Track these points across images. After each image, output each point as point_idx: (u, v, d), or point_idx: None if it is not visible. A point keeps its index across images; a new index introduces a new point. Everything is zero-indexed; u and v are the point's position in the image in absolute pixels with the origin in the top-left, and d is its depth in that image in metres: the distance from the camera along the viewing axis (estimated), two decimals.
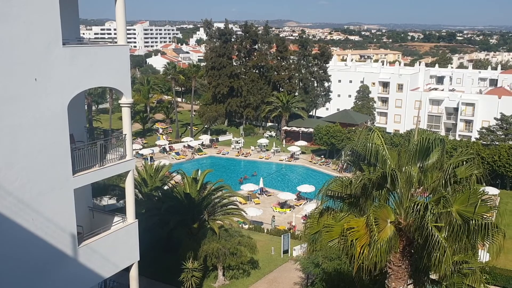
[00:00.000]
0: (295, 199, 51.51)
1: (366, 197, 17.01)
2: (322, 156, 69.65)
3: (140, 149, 68.29)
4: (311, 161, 68.43)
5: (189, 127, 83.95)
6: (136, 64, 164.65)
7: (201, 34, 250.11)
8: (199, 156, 71.02)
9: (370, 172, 18.03)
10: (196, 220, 32.99)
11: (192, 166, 60.82)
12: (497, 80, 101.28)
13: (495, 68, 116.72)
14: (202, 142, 76.11)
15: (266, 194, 54.46)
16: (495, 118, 71.56)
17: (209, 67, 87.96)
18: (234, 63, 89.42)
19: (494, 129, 68.73)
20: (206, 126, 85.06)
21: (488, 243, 15.94)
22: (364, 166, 18.66)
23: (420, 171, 17.53)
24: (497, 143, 63.05)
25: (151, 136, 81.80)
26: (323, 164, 66.60)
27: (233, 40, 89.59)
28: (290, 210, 49.64)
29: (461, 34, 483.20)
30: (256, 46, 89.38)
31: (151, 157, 65.35)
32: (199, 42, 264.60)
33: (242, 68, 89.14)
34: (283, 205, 50.44)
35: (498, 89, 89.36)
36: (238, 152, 72.66)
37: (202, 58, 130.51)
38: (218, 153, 72.71)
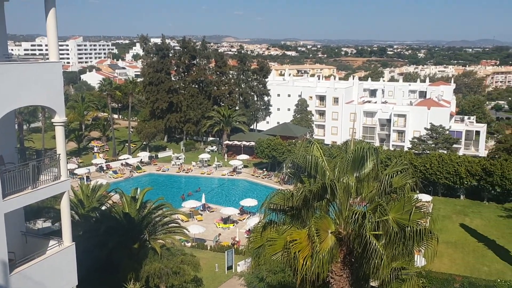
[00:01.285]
0: (238, 213, 51.41)
1: (307, 208, 17.29)
2: (264, 169, 70.23)
3: (76, 168, 65.68)
4: (253, 175, 68.78)
5: (127, 145, 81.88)
6: (69, 81, 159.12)
7: (138, 49, 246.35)
8: (138, 174, 69.33)
9: (310, 183, 18.36)
10: (136, 240, 32.04)
11: (130, 184, 59.22)
12: (426, 92, 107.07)
13: (423, 81, 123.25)
14: (141, 159, 74.41)
15: (208, 210, 53.97)
16: (425, 128, 75.46)
17: (146, 83, 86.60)
18: (173, 78, 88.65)
19: (425, 138, 72.45)
20: (144, 142, 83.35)
21: (423, 248, 16.66)
22: (304, 178, 18.97)
23: (357, 180, 18.07)
24: (428, 152, 66.44)
25: (87, 155, 78.88)
26: (265, 177, 67.15)
27: (171, 55, 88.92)
28: (233, 225, 49.44)
29: (391, 49, 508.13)
30: (195, 61, 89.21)
31: (87, 177, 63.00)
32: (135, 57, 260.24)
33: (181, 83, 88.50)
34: (226, 220, 50.17)
35: (427, 101, 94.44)
36: (179, 168, 71.68)
37: (139, 73, 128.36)
38: (158, 170, 71.32)
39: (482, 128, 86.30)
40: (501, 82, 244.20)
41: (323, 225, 16.29)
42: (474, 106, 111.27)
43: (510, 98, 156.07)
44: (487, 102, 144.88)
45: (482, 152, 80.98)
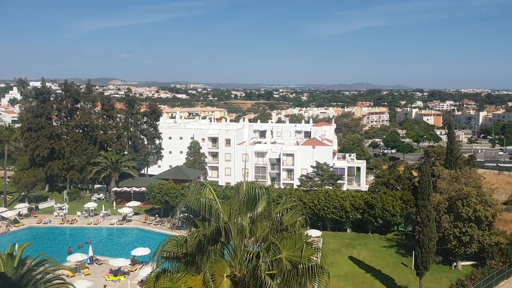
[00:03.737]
0: (130, 264, 48.65)
1: (202, 253, 16.90)
2: (157, 216, 67.92)
3: None
4: (145, 222, 66.08)
5: (2, 196, 74.38)
6: None
7: (15, 93, 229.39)
8: (16, 228, 62.89)
9: (204, 227, 18.06)
10: None
11: (7, 240, 53.46)
12: (310, 132, 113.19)
13: (307, 122, 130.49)
14: (19, 211, 67.81)
15: (96, 263, 50.36)
16: (311, 166, 79.28)
17: (25, 129, 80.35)
18: (54, 123, 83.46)
19: (312, 176, 75.98)
20: (23, 193, 76.36)
21: (316, 284, 17.01)
22: (198, 222, 18.64)
23: (250, 221, 18.15)
24: (315, 188, 69.59)
25: None
26: (158, 224, 64.82)
27: (52, 99, 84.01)
28: (124, 277, 46.57)
29: (277, 92, 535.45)
30: (79, 105, 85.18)
31: None
32: (12, 102, 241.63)
33: (63, 128, 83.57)
34: (116, 272, 47.14)
35: (311, 140, 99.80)
36: (62, 219, 66.50)
37: (16, 119, 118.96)
38: (38, 223, 65.38)
39: (362, 164, 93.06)
40: (375, 121, 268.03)
41: (218, 270, 15.97)
42: (353, 144, 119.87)
43: (384, 136, 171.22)
44: (365, 140, 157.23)
45: (364, 186, 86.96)
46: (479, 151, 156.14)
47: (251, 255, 15.95)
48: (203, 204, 17.80)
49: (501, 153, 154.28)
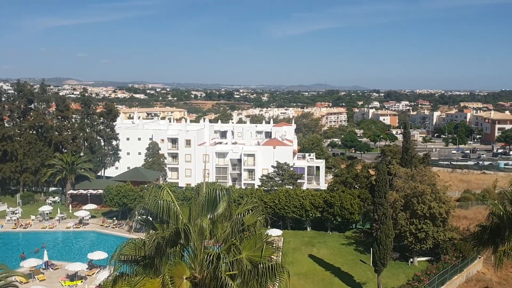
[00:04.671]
0: (87, 268, 47.33)
1: (161, 256, 16.62)
2: (114, 218, 66.41)
3: None
4: (102, 225, 64.43)
5: None
6: None
7: None
8: None
9: (163, 229, 17.77)
10: None
11: None
12: (271, 132, 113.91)
13: (268, 122, 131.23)
14: None
15: (52, 268, 48.69)
16: (272, 166, 79.73)
17: None
18: (7, 125, 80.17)
19: (272, 175, 76.40)
20: None
21: (277, 283, 17.07)
22: (157, 224, 18.33)
23: (211, 222, 18.02)
24: (276, 188, 69.99)
25: None
26: (116, 227, 63.36)
27: (3, 99, 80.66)
28: (81, 282, 45.24)
29: (238, 93, 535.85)
30: (32, 106, 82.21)
31: None
32: None
33: (16, 129, 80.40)
34: (73, 277, 45.74)
35: (272, 140, 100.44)
36: (16, 224, 63.94)
37: None
38: None
39: (321, 163, 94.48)
40: (334, 121, 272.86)
41: (177, 272, 15.76)
42: (313, 144, 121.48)
43: (342, 136, 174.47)
44: (324, 140, 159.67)
45: (323, 185, 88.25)
46: (433, 150, 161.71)
47: (211, 256, 15.83)
48: (161, 206, 17.53)
49: (454, 151, 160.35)
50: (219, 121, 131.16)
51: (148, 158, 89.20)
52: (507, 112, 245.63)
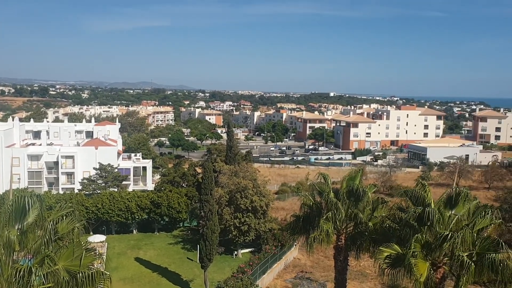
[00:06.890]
0: None
1: None
2: None
3: None
4: None
5: None
6: None
7: None
8: None
9: None
10: None
11: None
12: (92, 132, 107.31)
13: (89, 121, 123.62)
14: None
15: None
16: (94, 168, 75.30)
17: None
18: None
19: (95, 178, 72.17)
20: None
21: None
22: None
23: (20, 233, 16.11)
24: (99, 191, 66.30)
25: None
26: None
27: None
28: None
29: (54, 89, 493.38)
30: None
31: None
32: None
33: None
34: None
35: (94, 141, 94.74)
36: None
37: None
38: None
39: (148, 163, 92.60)
40: (161, 120, 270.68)
41: None
42: (139, 143, 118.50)
43: (170, 135, 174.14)
44: (150, 139, 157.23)
45: (150, 186, 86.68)
46: (255, 147, 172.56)
47: (21, 271, 14.09)
48: None
49: (273, 148, 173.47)
50: (32, 120, 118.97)
51: None
52: (316, 112, 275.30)
